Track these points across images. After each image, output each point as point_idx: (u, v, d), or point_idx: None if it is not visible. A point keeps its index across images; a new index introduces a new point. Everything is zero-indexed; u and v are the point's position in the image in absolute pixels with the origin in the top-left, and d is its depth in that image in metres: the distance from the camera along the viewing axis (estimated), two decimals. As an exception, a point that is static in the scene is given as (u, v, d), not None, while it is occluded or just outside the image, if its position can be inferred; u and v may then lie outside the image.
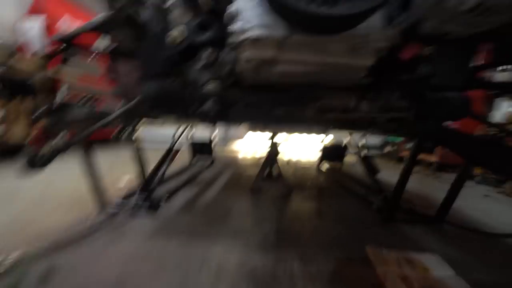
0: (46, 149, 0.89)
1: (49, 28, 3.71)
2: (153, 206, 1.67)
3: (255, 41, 0.58)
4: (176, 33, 0.84)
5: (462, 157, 1.26)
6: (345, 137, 3.38)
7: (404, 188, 1.57)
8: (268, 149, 2.38)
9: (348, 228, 1.55)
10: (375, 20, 0.57)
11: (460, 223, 1.67)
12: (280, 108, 0.79)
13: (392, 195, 1.64)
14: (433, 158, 3.83)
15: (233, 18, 0.58)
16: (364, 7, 0.49)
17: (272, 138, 2.38)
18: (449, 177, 3.36)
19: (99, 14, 0.82)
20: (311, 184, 2.64)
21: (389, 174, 3.37)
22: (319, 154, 3.67)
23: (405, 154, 4.31)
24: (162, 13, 0.98)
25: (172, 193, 2.08)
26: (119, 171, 2.99)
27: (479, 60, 0.93)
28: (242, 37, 0.58)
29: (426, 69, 0.87)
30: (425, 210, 1.89)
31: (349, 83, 0.73)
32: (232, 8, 0.59)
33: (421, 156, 4.02)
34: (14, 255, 1.07)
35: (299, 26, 0.53)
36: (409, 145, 4.09)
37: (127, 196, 1.92)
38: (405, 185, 1.58)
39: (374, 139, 5.18)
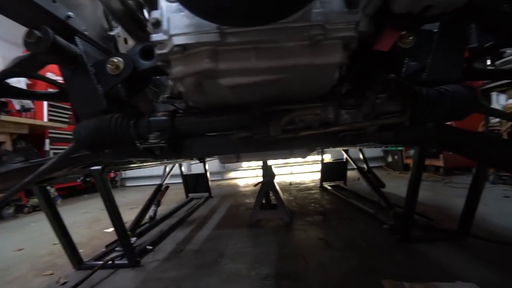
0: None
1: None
2: (134, 259, 1.45)
3: (183, 51, 0.45)
4: (117, 60, 0.72)
5: (474, 160, 1.09)
6: (344, 153, 3.22)
7: (415, 201, 1.37)
8: (262, 175, 2.20)
9: (360, 258, 1.33)
10: (334, 2, 0.44)
11: (488, 235, 1.44)
12: (239, 133, 0.64)
13: (404, 211, 1.44)
14: (440, 163, 3.63)
15: (156, 25, 0.46)
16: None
17: (265, 162, 2.22)
18: (460, 181, 3.14)
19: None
20: (314, 208, 2.42)
21: (397, 185, 3.16)
22: (319, 173, 3.48)
23: (410, 161, 4.10)
24: (102, 42, 0.87)
25: (159, 239, 1.87)
26: (104, 221, 2.77)
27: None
28: (167, 48, 0.45)
29: (415, 61, 0.73)
30: (444, 223, 1.67)
31: (321, 91, 0.59)
32: (153, 13, 0.47)
33: (427, 162, 3.83)
34: None
35: (220, 18, 0.39)
36: (412, 151, 3.89)
37: (109, 249, 1.72)
38: (417, 198, 1.38)
39: (374, 151, 5.01)
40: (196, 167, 5.08)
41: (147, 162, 2.07)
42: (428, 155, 3.76)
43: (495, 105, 3.07)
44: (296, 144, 0.62)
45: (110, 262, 1.44)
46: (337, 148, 3.08)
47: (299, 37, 0.44)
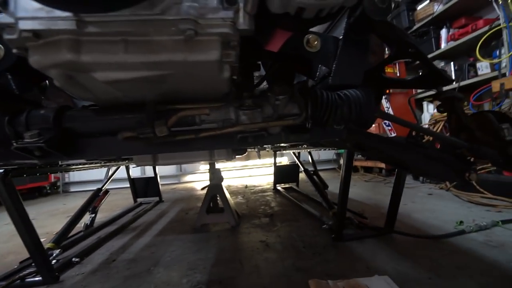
0: None
1: None
2: (52, 275, 1.29)
3: (36, 39, 0.39)
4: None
5: (381, 161, 1.17)
6: (294, 156, 3.32)
7: (346, 202, 1.45)
8: (209, 178, 2.15)
9: (295, 259, 1.35)
10: (207, -3, 0.43)
11: (408, 229, 1.59)
12: (123, 133, 0.58)
13: (337, 211, 1.51)
14: (382, 165, 3.95)
15: (3, 5, 0.39)
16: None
17: (212, 165, 2.17)
18: (398, 181, 3.46)
19: None
20: (264, 210, 2.44)
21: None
22: (273, 176, 3.53)
23: (357, 163, 4.40)
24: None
25: (91, 249, 1.70)
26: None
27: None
28: (16, 33, 0.39)
29: (324, 65, 0.76)
30: (377, 221, 1.80)
31: (218, 90, 0.58)
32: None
33: (372, 164, 4.14)
34: None
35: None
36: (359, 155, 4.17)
37: (23, 266, 1.50)
38: (347, 198, 1.46)
39: (327, 154, 5.27)
40: (151, 170, 4.79)
41: (85, 164, 1.88)
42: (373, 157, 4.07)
43: (425, 113, 3.45)
44: (196, 145, 0.60)
45: (18, 281, 1.26)
46: (288, 151, 3.15)
47: (169, 31, 0.42)
